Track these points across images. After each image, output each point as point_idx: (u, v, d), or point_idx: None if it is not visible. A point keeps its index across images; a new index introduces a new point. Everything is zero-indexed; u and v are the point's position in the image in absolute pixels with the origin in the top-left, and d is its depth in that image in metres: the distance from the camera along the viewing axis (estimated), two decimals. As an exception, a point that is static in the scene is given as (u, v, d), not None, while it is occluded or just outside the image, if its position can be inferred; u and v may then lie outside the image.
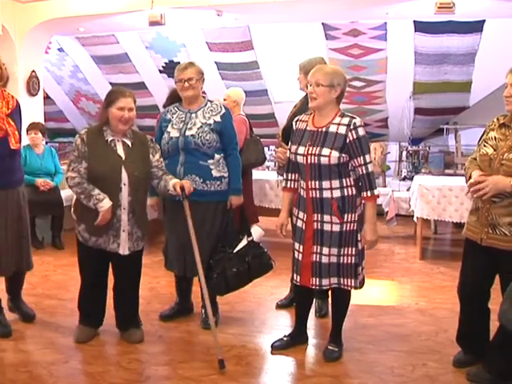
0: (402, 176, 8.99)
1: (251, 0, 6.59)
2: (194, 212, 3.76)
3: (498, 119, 3.27)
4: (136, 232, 3.72)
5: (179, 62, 4.35)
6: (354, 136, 3.33)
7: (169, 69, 8.76)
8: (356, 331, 4.07)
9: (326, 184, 3.40)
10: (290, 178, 3.63)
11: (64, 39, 8.85)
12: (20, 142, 3.77)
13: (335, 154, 3.34)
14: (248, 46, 8.26)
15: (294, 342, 3.78)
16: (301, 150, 3.46)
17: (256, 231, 4.02)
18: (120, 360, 3.57)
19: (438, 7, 6.10)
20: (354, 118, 3.40)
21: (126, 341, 3.84)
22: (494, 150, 3.16)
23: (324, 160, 3.35)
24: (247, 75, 8.80)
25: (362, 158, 3.35)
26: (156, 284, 5.13)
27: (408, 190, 7.33)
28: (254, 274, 3.97)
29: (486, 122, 3.36)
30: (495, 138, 3.21)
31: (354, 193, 3.42)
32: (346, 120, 3.38)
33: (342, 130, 3.35)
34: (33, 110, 7.48)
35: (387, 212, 7.24)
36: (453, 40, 7.42)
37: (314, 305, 4.11)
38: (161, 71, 9.17)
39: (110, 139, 3.64)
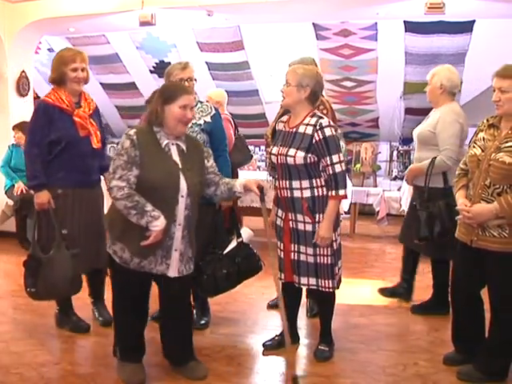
0: (393, 176, 9.03)
1: (242, 0, 6.59)
2: None
3: (487, 120, 3.29)
4: (188, 252, 3.24)
5: (170, 62, 4.36)
6: (320, 136, 3.34)
7: (159, 69, 8.75)
8: (347, 331, 4.08)
9: (295, 184, 3.43)
10: (276, 176, 3.66)
11: (54, 39, 8.83)
12: (101, 142, 3.92)
13: (300, 154, 3.36)
14: (239, 46, 8.27)
15: (284, 341, 3.77)
16: (274, 150, 3.52)
17: (245, 232, 4.01)
18: (111, 361, 3.52)
19: (428, 7, 6.13)
20: (322, 118, 3.43)
21: (187, 377, 3.30)
22: (482, 151, 3.17)
23: (290, 160, 3.38)
24: (238, 75, 8.80)
25: (328, 158, 3.35)
26: (147, 285, 5.12)
27: (399, 189, 7.37)
28: (243, 275, 3.97)
29: (476, 122, 3.37)
30: (484, 138, 3.22)
31: (325, 193, 3.41)
32: (313, 120, 3.41)
33: (309, 130, 3.38)
34: (23, 111, 7.45)
35: (378, 212, 7.27)
36: (443, 40, 7.45)
37: (305, 305, 4.12)
38: (151, 71, 9.17)
39: (164, 142, 3.09)
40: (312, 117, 3.43)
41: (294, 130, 3.44)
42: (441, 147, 4.10)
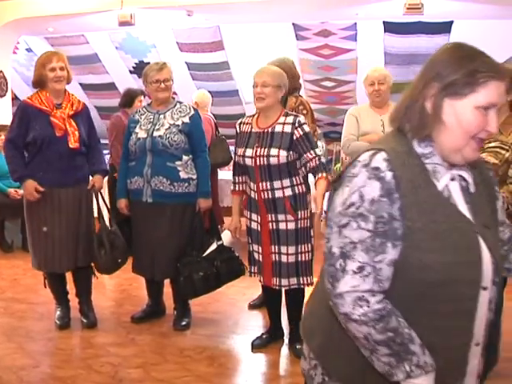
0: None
1: (222, 0, 6.59)
2: (161, 214, 3.79)
3: None
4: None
5: (149, 63, 4.33)
6: (301, 133, 3.39)
7: (139, 69, 8.70)
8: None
9: (277, 184, 3.44)
10: (238, 180, 3.65)
11: (32, 39, 8.75)
12: (79, 142, 3.89)
13: (283, 153, 3.37)
14: (219, 46, 8.26)
15: (272, 338, 3.78)
16: (248, 152, 3.48)
17: (226, 235, 3.99)
18: (92, 363, 3.52)
19: (407, 8, 6.19)
20: (298, 116, 3.49)
21: None
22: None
23: (273, 160, 3.37)
24: (218, 76, 8.80)
25: (312, 151, 3.41)
26: (128, 286, 5.09)
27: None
28: (223, 278, 3.95)
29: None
30: None
31: (305, 190, 3.49)
32: (290, 119, 3.43)
33: (288, 128, 3.40)
34: (1, 111, 7.38)
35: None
36: (421, 40, 7.52)
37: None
38: (131, 72, 9.13)
39: (444, 178, 1.42)
40: (286, 116, 3.46)
41: (270, 130, 3.44)
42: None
